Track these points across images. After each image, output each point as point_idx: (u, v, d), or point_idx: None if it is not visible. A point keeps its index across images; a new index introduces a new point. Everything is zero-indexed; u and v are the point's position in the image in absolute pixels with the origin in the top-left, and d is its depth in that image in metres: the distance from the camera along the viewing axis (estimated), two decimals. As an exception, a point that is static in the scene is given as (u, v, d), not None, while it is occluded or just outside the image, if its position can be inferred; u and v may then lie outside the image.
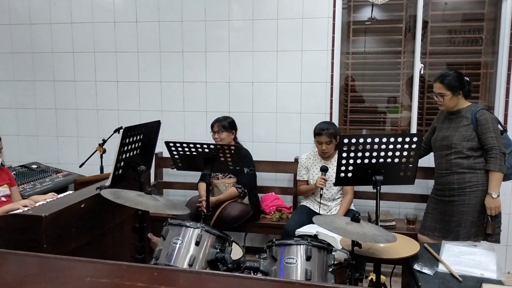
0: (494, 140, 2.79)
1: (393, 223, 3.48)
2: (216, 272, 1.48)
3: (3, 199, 2.83)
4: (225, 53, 3.92)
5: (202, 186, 3.57)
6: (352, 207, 3.44)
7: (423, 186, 3.65)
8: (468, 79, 2.95)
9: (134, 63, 4.08)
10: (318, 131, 3.30)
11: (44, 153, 4.31)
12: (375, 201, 3.69)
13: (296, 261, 1.86)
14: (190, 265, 1.97)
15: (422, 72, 3.71)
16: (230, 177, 3.58)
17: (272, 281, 1.44)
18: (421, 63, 3.69)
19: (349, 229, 1.88)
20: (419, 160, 2.62)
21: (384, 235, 1.92)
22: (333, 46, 3.73)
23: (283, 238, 2.07)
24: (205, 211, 2.88)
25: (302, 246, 1.89)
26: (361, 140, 2.36)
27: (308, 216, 3.27)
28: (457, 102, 2.92)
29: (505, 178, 2.88)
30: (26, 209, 2.44)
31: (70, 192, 2.97)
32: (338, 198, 3.41)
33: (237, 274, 1.42)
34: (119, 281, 1.60)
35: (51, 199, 2.69)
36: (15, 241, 2.08)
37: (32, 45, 4.22)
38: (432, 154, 3.14)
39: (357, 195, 3.60)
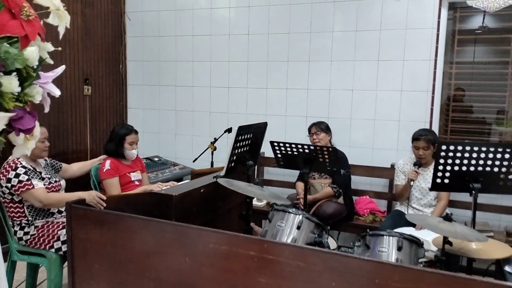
0: None
1: (491, 234, 3.43)
2: (317, 248, 1.74)
3: (136, 182, 3.39)
4: (327, 62, 4.18)
5: (300, 185, 3.86)
6: (448, 214, 3.47)
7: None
8: None
9: (244, 71, 4.53)
10: (417, 136, 3.40)
11: (164, 148, 4.95)
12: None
13: (388, 250, 2.05)
14: (292, 245, 2.26)
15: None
16: (326, 177, 3.81)
17: (367, 261, 1.66)
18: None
19: (441, 226, 2.02)
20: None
21: (475, 235, 2.02)
22: (436, 56, 3.79)
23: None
24: (302, 207, 3.15)
25: (394, 237, 2.07)
26: (459, 148, 2.42)
27: (402, 220, 3.37)
28: None
29: None
30: (158, 189, 2.95)
31: (187, 181, 3.45)
32: (435, 205, 3.46)
33: (335, 251, 1.67)
34: (236, 249, 1.95)
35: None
36: (151, 215, 2.51)
37: (159, 54, 4.89)
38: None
39: (454, 204, 3.61)
